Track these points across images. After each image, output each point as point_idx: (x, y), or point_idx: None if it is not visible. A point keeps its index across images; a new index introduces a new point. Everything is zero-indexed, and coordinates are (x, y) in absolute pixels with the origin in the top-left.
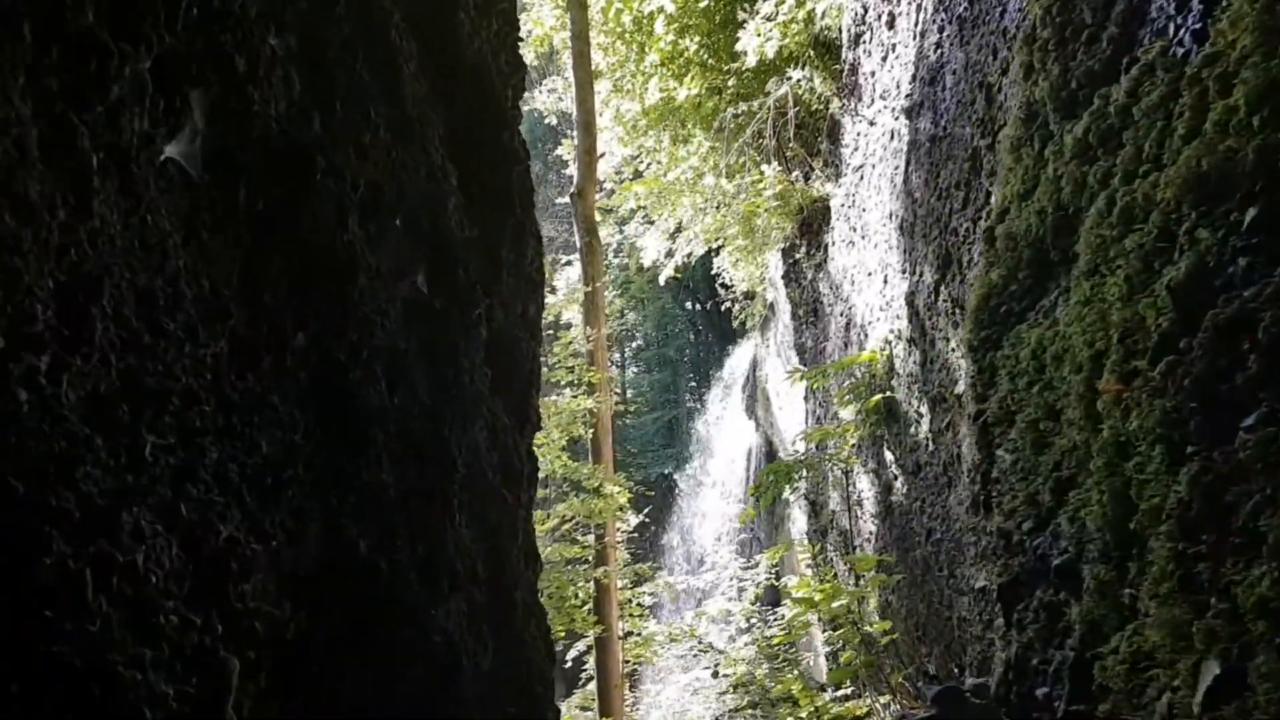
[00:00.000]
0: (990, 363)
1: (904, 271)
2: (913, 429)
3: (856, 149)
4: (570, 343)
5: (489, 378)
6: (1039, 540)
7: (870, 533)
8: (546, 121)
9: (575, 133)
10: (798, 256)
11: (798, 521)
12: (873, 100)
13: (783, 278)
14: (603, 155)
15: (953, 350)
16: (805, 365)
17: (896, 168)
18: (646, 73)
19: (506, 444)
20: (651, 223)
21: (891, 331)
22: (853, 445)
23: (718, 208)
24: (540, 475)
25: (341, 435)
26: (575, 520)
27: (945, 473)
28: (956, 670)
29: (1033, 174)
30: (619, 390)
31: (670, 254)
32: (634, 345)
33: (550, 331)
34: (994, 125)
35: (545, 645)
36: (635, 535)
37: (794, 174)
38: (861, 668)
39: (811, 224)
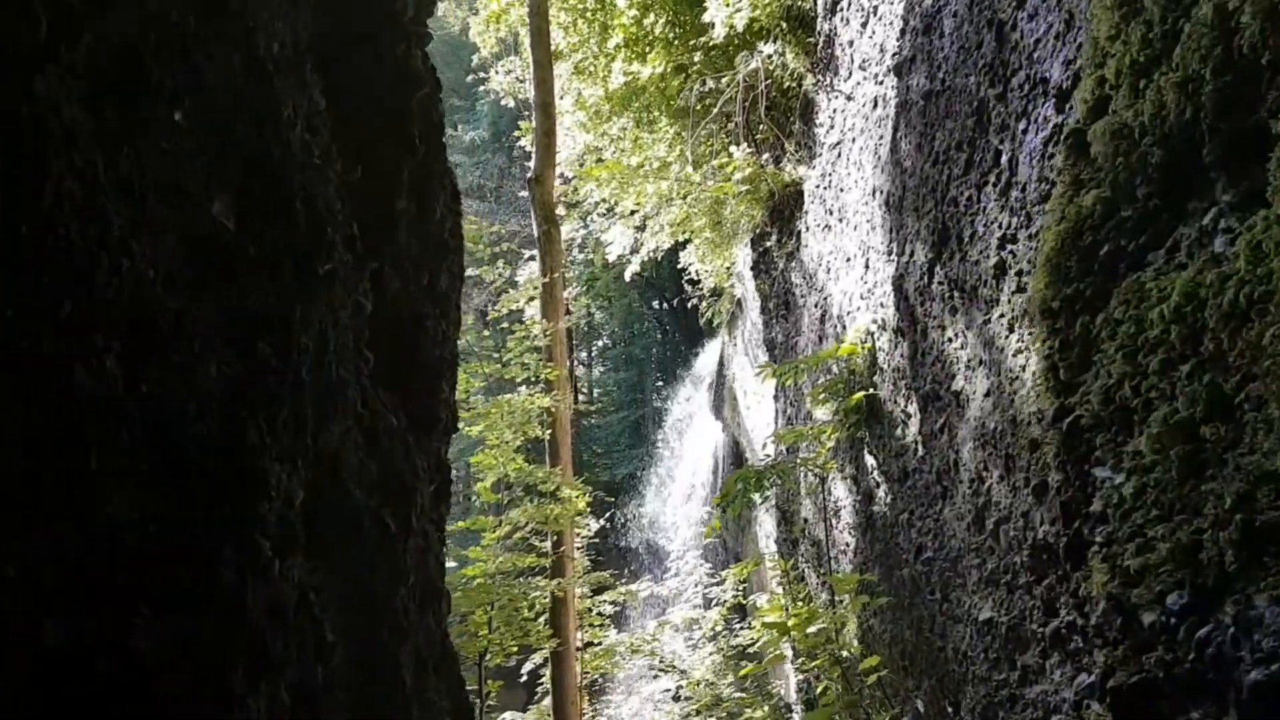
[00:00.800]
0: (1083, 333)
1: (890, 253)
2: (899, 431)
3: (833, 126)
4: (526, 337)
5: (371, 364)
6: (1205, 630)
7: (848, 546)
8: (505, 103)
9: (533, 115)
10: (768, 245)
11: (765, 525)
12: (851, 72)
13: (751, 269)
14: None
15: (949, 340)
16: (775, 361)
17: (881, 138)
18: (609, 54)
19: (394, 452)
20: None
21: (874, 321)
22: (830, 449)
23: (684, 197)
24: (494, 480)
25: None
26: (530, 527)
27: (939, 481)
28: (950, 710)
29: (1167, 25)
30: (584, 390)
31: (636, 249)
32: (599, 344)
33: (506, 326)
34: (1006, 70)
35: (456, 702)
36: (597, 541)
37: (764, 157)
38: (842, 709)
39: (783, 210)
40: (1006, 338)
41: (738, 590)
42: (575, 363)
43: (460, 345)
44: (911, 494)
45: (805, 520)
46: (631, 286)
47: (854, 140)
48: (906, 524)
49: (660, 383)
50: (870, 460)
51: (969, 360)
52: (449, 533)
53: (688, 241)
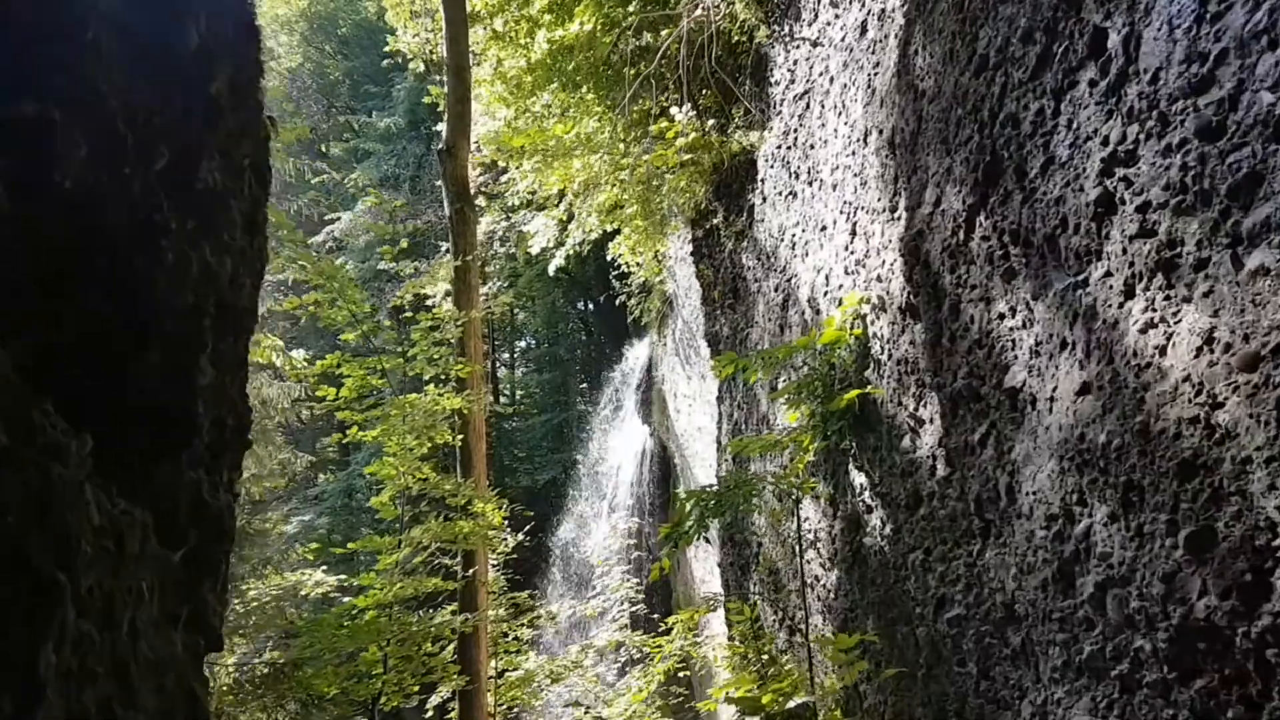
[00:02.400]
0: None
1: (894, 210)
2: (906, 442)
3: (793, 80)
4: (435, 328)
5: None
6: None
7: (824, 584)
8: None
9: (445, 79)
10: (713, 224)
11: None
12: (816, 13)
13: (692, 254)
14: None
15: (1000, 317)
16: (719, 354)
17: (878, 66)
18: (533, 18)
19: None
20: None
21: (867, 301)
22: (808, 462)
23: (615, 175)
24: (392, 493)
25: None
26: (435, 547)
27: (977, 513)
28: None
29: None
30: (506, 391)
31: (560, 242)
32: (522, 345)
33: (410, 314)
34: None
35: None
36: (515, 557)
37: (709, 124)
38: None
39: (730, 185)
40: (1121, 305)
41: (684, 641)
42: (496, 363)
43: (355, 339)
44: (928, 526)
45: (759, 544)
46: (556, 284)
47: (830, 85)
48: (920, 566)
49: (585, 385)
50: (859, 478)
51: (1040, 343)
52: (334, 555)
53: (617, 232)
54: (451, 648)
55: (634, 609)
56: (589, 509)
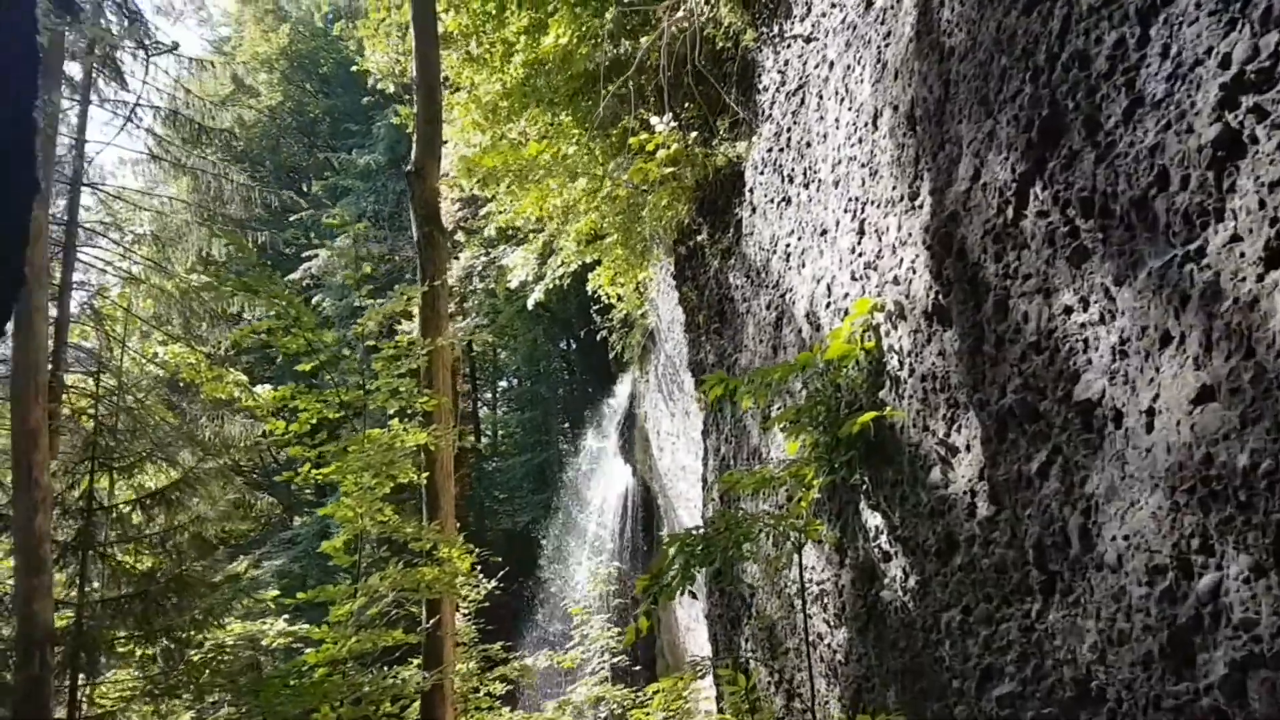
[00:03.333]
0: None
1: (915, 196)
2: (935, 474)
3: (784, 80)
4: (399, 357)
5: None
6: None
7: (831, 644)
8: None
9: (415, 99)
10: (697, 242)
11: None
12: (809, 7)
13: (674, 278)
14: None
15: (1064, 311)
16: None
17: (889, 36)
18: (508, 41)
19: None
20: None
21: (881, 308)
22: (813, 500)
23: (593, 197)
24: (347, 537)
25: None
26: (395, 596)
27: (1037, 563)
28: None
29: None
30: (487, 431)
31: (540, 275)
32: (503, 385)
33: (372, 343)
34: None
35: None
36: (487, 605)
37: (691, 136)
38: None
39: (715, 200)
40: (1261, 278)
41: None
42: (478, 402)
43: (310, 369)
44: (967, 579)
45: (751, 595)
46: (537, 322)
47: (829, 72)
48: (958, 629)
49: (566, 424)
50: (873, 519)
51: (1127, 340)
52: (303, 603)
53: (597, 263)
54: (415, 707)
55: (615, 660)
56: (569, 553)
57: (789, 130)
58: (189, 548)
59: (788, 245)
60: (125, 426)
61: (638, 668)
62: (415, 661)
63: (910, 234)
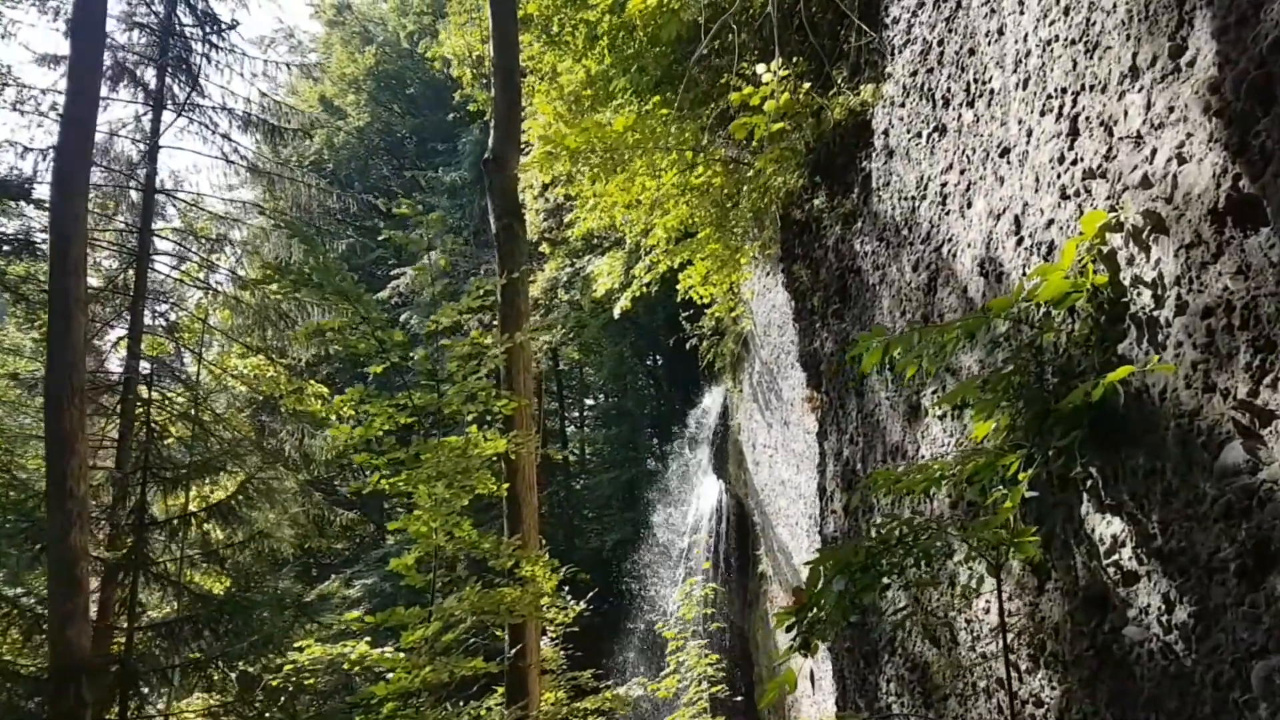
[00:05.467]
0: None
1: (1176, 53)
2: (1230, 454)
3: (922, 3)
4: (473, 355)
5: None
6: None
7: (1036, 699)
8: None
9: (493, 83)
10: (811, 210)
11: (781, 600)
12: None
13: (781, 258)
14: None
15: None
16: (818, 383)
17: None
18: (590, 22)
19: None
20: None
21: (1118, 228)
22: (1014, 506)
23: (683, 187)
24: (419, 555)
25: None
26: (473, 621)
27: None
28: None
29: None
30: (575, 451)
31: (626, 283)
32: (589, 403)
33: (447, 342)
34: None
35: None
36: (576, 630)
37: (804, 87)
38: None
39: (833, 161)
40: None
41: None
42: (565, 420)
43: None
44: None
45: (892, 627)
46: (623, 336)
47: None
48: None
49: (655, 440)
50: (1107, 526)
51: None
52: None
53: (686, 265)
54: None
55: (714, 689)
56: (660, 573)
57: (940, 45)
58: (256, 565)
59: (943, 185)
60: (190, 436)
61: (738, 698)
62: (499, 691)
63: (1174, 107)
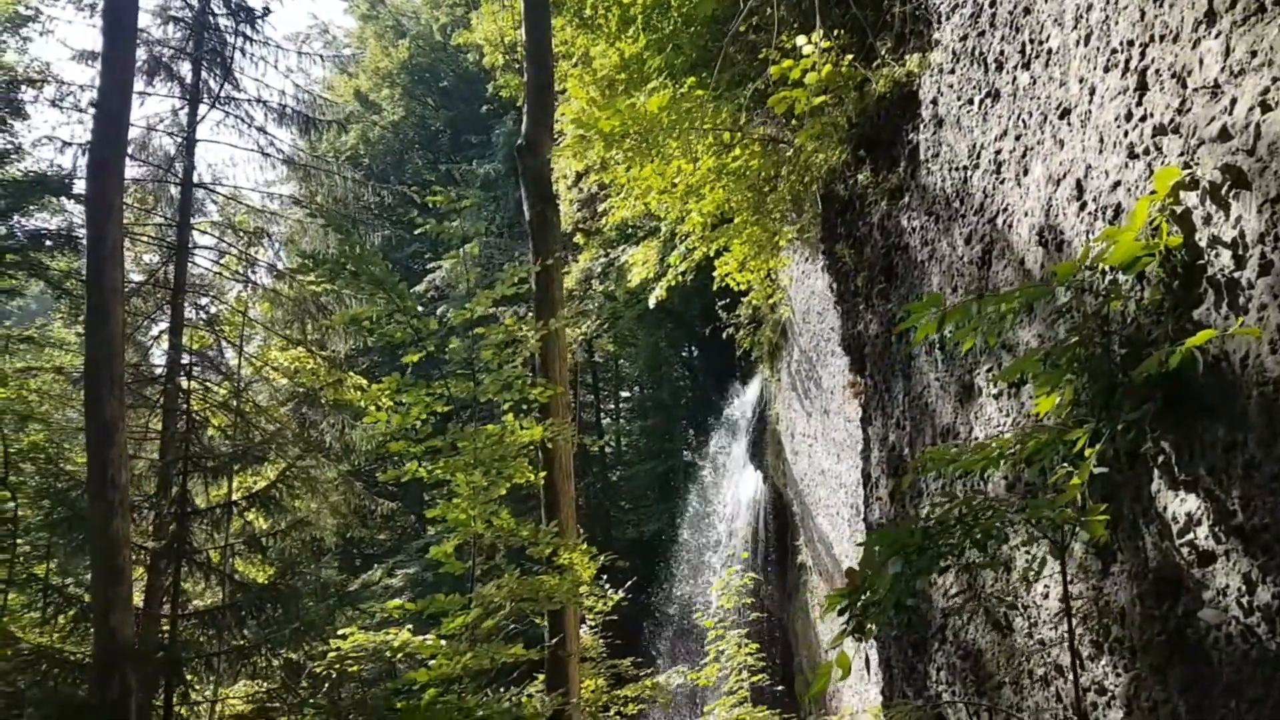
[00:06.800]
0: None
1: None
2: None
3: None
4: (508, 342)
5: None
6: None
7: (1100, 687)
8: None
9: (525, 67)
10: (854, 186)
11: (821, 591)
12: None
13: (822, 241)
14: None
15: None
16: (865, 367)
17: None
18: (623, 4)
19: None
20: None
21: (1193, 185)
22: (1082, 483)
23: (719, 171)
24: (458, 543)
25: None
26: (512, 607)
27: None
28: None
29: None
30: (611, 443)
31: (661, 272)
32: (625, 395)
33: (481, 331)
34: None
35: None
36: (615, 618)
37: (846, 60)
38: None
39: (877, 135)
40: None
41: None
42: (601, 412)
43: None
44: None
45: (942, 613)
46: (658, 327)
47: None
48: None
49: (691, 430)
50: (1181, 504)
51: None
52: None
53: (722, 252)
54: None
55: (754, 679)
56: (699, 562)
57: (991, 6)
58: (299, 553)
59: (997, 153)
60: (231, 426)
61: (780, 688)
62: (539, 677)
63: (1257, 50)
